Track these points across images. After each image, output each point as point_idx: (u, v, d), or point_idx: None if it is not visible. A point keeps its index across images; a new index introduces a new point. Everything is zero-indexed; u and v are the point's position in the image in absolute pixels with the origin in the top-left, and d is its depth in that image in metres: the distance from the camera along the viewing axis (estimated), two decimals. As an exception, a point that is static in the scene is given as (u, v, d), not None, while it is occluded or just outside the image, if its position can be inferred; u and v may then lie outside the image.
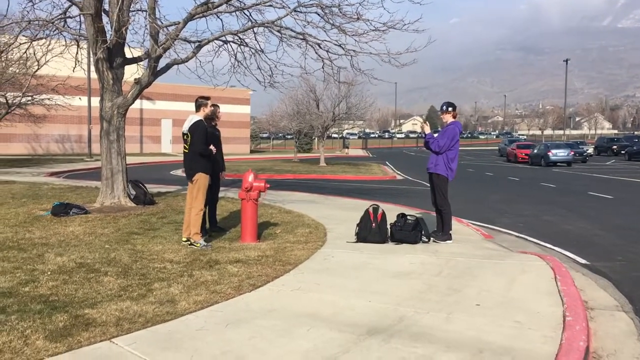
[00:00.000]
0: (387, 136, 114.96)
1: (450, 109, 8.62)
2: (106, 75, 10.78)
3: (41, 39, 11.61)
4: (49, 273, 6.10)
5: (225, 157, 9.42)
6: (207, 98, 7.95)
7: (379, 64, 12.06)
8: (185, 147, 7.80)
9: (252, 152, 55.74)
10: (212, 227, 8.91)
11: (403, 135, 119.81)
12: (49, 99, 23.92)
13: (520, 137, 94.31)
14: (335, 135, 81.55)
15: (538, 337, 4.48)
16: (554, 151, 36.16)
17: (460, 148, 9.08)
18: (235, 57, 12.86)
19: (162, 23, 10.72)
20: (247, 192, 8.01)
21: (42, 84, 20.95)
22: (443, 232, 8.47)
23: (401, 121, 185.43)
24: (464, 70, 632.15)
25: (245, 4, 10.75)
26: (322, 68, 13.01)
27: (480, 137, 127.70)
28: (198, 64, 12.94)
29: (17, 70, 16.69)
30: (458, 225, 10.26)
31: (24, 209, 10.88)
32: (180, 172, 27.36)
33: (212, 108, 8.61)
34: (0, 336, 4.20)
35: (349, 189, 18.85)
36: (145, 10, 10.46)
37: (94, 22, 10.04)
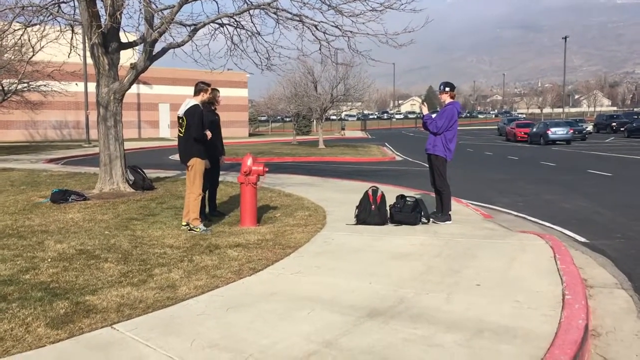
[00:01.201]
0: (385, 117, 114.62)
1: (447, 89, 8.57)
2: (102, 61, 10.71)
3: (35, 24, 11.52)
4: (49, 260, 6.11)
5: (223, 141, 9.38)
6: (208, 84, 7.92)
7: (377, 45, 11.98)
8: (180, 131, 7.75)
9: (250, 135, 55.66)
10: (212, 212, 8.91)
11: (402, 116, 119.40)
12: (45, 85, 23.81)
13: (520, 116, 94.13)
14: (334, 117, 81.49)
15: (538, 316, 4.49)
16: (553, 129, 36.09)
17: (459, 128, 9.06)
18: (232, 40, 12.77)
19: (156, 7, 10.60)
20: (246, 176, 7.99)
21: (37, 71, 20.82)
22: (443, 213, 8.48)
23: (400, 102, 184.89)
24: (463, 49, 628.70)
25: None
26: (320, 50, 12.94)
27: (480, 116, 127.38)
28: (194, 48, 12.86)
29: (13, 57, 16.58)
30: (458, 206, 10.27)
31: (23, 197, 10.87)
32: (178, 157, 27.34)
33: (212, 93, 8.58)
34: (2, 324, 4.21)
35: (348, 171, 18.84)
36: (140, -6, 10.35)
37: (88, 6, 9.96)
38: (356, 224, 8.09)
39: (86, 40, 10.84)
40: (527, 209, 10.46)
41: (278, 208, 9.50)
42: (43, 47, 15.82)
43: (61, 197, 9.86)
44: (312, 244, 6.90)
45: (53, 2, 10.71)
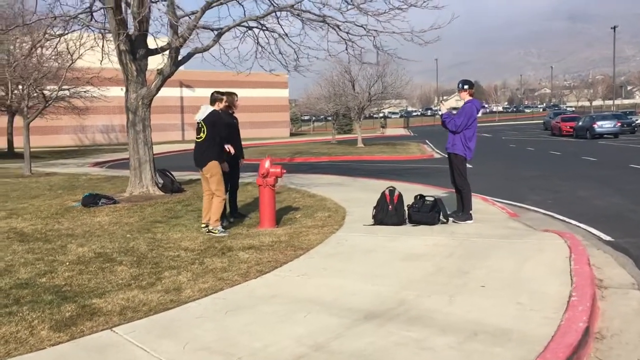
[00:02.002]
0: (429, 114, 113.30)
1: (466, 86, 8.47)
2: (130, 67, 10.98)
3: (66, 34, 11.87)
4: (67, 264, 6.31)
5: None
6: (223, 94, 8.09)
7: (401, 44, 11.91)
8: (198, 137, 7.90)
9: (292, 135, 55.98)
10: (233, 214, 9.02)
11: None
12: (85, 91, 24.51)
13: (568, 109, 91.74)
14: (377, 115, 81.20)
15: (538, 318, 4.40)
16: (599, 123, 35.06)
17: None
18: (258, 42, 12.87)
19: (183, 11, 10.81)
20: (264, 178, 8.07)
21: (78, 78, 21.50)
22: (463, 212, 8.37)
23: (444, 97, 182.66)
24: (508, 42, 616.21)
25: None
26: (346, 50, 12.94)
27: (526, 110, 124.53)
28: (222, 51, 13.05)
29: (55, 64, 17.18)
30: (483, 204, 10.14)
31: (57, 201, 11.25)
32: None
33: (230, 97, 8.73)
34: (10, 326, 4.38)
35: (382, 169, 18.76)
36: (165, 0, 10.56)
37: (115, 14, 10.20)
38: (373, 224, 8.07)
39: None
40: (556, 207, 10.22)
41: (300, 209, 9.56)
42: (82, 54, 16.25)
43: (92, 200, 10.16)
44: (325, 245, 6.92)
45: (83, 11, 11.01)
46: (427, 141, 39.71)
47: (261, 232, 7.79)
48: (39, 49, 15.12)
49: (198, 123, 7.94)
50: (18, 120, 34.40)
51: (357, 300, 4.92)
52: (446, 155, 8.70)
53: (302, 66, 13.75)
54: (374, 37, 12.24)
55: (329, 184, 13.06)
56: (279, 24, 12.85)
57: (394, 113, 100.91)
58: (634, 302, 5.21)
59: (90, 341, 4.15)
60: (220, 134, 7.82)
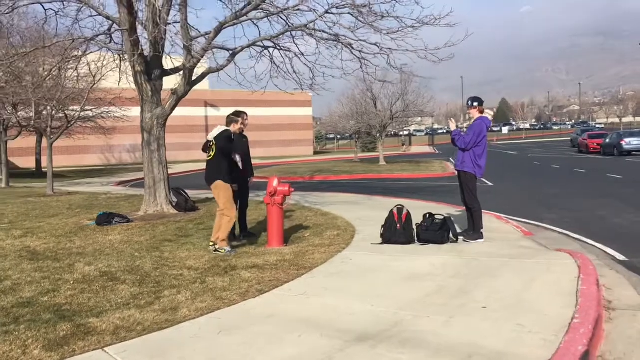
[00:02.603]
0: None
1: (475, 104, 8.39)
2: (145, 87, 11.14)
3: (85, 54, 12.11)
4: (71, 282, 6.36)
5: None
6: (239, 116, 8.18)
7: (416, 61, 11.85)
8: (208, 155, 7.96)
9: (315, 153, 56.09)
10: (243, 232, 9.03)
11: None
12: (107, 112, 24.97)
13: (597, 126, 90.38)
14: (402, 133, 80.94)
15: (536, 341, 4.28)
16: (627, 140, 34.38)
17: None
18: (273, 61, 12.95)
19: (196, 33, 10.94)
20: (272, 196, 8.07)
21: (100, 98, 21.91)
22: (474, 231, 8.24)
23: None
24: (539, 59, 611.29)
25: (271, 12, 10.78)
26: (360, 68, 12.95)
27: (554, 127, 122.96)
28: (238, 71, 13.14)
29: (78, 86, 17.53)
30: (498, 223, 9.99)
31: (74, 220, 11.39)
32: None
33: (238, 117, 8.80)
34: (3, 345, 4.41)
35: (401, 188, 18.64)
36: (178, 22, 10.72)
37: (130, 35, 10.37)
38: (381, 243, 7.98)
39: (131, 68, 11.25)
40: (574, 225, 10.01)
41: (310, 228, 9.52)
42: (104, 76, 16.56)
43: (105, 219, 10.27)
44: (329, 265, 6.87)
45: (99, 33, 11.22)
46: (451, 159, 39.42)
47: (268, 251, 7.76)
48: (62, 70, 15.42)
49: (209, 141, 8.00)
50: (46, 141, 35.25)
51: (352, 321, 4.84)
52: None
53: (318, 85, 13.80)
54: (387, 55, 12.24)
55: (343, 203, 13.00)
56: (294, 42, 12.95)
57: (419, 131, 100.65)
58: (640, 325, 5.04)
59: (82, 361, 4.15)
60: (230, 151, 7.89)
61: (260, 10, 10.51)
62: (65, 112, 17.51)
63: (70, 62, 13.41)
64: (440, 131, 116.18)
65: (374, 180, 23.13)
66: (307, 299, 5.52)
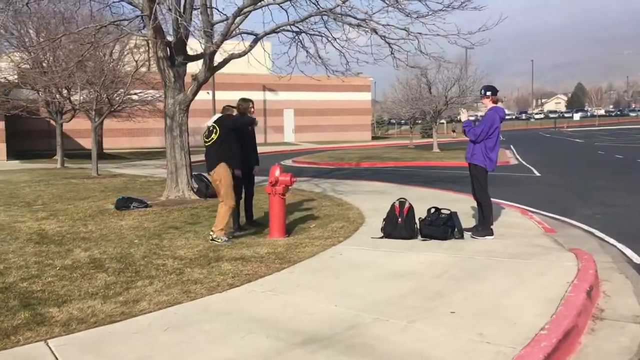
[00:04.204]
0: (523, 117, 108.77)
1: (488, 93, 7.91)
2: (167, 73, 11.18)
3: (118, 40, 12.26)
4: (57, 268, 6.43)
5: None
6: (233, 107, 8.10)
7: (440, 47, 11.39)
8: (205, 140, 7.86)
9: (374, 138, 55.53)
10: (248, 222, 8.93)
11: (542, 116, 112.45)
12: (152, 96, 25.45)
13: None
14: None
15: (490, 353, 3.97)
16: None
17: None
18: (303, 46, 12.73)
19: (219, 18, 10.88)
20: (273, 186, 7.91)
21: (145, 82, 22.34)
22: (483, 227, 7.82)
23: (543, 100, 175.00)
24: (619, 41, 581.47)
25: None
26: (392, 54, 12.55)
27: (631, 114, 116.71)
28: (267, 56, 13.02)
29: (123, 70, 17.93)
30: (520, 218, 9.50)
31: (100, 203, 11.62)
32: (290, 162, 27.96)
33: (245, 104, 8.70)
34: (-45, 333, 4.47)
35: (442, 176, 18.10)
36: (198, 8, 10.66)
37: (151, 22, 10.39)
38: (382, 237, 7.69)
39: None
40: (602, 223, 9.37)
41: (319, 218, 9.31)
42: (146, 60, 16.79)
43: (123, 204, 10.41)
44: (315, 259, 6.66)
45: (123, 19, 11.30)
46: (511, 146, 38.10)
47: (263, 242, 7.63)
48: (104, 55, 15.77)
49: (209, 127, 7.90)
50: (107, 123, 36.39)
51: (308, 322, 4.65)
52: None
53: (350, 71, 13.50)
54: (418, 40, 11.80)
55: (370, 192, 12.70)
56: (325, 27, 12.69)
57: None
58: (624, 339, 4.60)
59: (18, 353, 4.14)
60: (243, 122, 7.83)
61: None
62: (108, 96, 17.88)
63: (103, 47, 13.62)
64: (507, 117, 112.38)
65: (419, 167, 22.59)
66: (273, 296, 5.36)
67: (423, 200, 10.50)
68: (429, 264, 6.40)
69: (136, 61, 16.83)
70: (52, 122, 23.76)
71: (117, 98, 18.79)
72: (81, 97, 19.76)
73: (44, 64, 21.02)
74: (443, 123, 52.59)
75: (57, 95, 20.91)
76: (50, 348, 4.19)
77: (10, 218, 10.12)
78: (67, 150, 33.07)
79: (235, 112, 8.01)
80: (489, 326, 4.46)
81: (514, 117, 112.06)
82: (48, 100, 21.59)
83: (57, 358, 4.03)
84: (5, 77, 21.14)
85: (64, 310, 4.96)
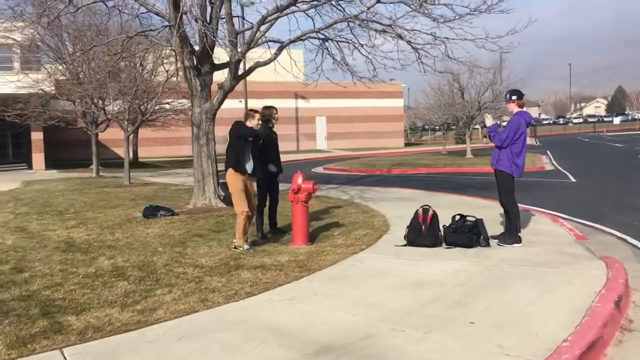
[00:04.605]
0: (561, 122, 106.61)
1: (514, 97, 7.73)
2: (194, 82, 11.27)
3: (147, 51, 12.42)
4: (80, 276, 6.50)
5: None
6: (256, 111, 8.04)
7: (467, 51, 11.23)
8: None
9: (407, 145, 55.12)
10: (272, 229, 8.90)
11: (581, 120, 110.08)
12: (183, 105, 25.74)
13: None
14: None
15: (507, 366, 3.83)
16: None
17: None
18: (329, 53, 12.70)
19: (241, 27, 10.93)
20: (295, 194, 7.87)
21: (177, 91, 22.62)
22: (510, 235, 7.63)
23: (582, 104, 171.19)
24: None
25: (307, 2, 10.53)
26: (418, 59, 12.43)
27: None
28: (293, 63, 13.02)
29: (152, 78, 18.17)
30: (551, 225, 9.24)
31: (129, 211, 11.75)
32: (321, 169, 27.95)
33: (268, 111, 8.68)
34: (-25, 340, 4.53)
35: (474, 183, 17.80)
36: (224, 17, 10.73)
37: (177, 31, 10.50)
38: (405, 245, 7.57)
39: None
40: (637, 230, 9.06)
41: (344, 226, 9.23)
42: (176, 70, 16.99)
43: (151, 212, 10.51)
44: (335, 267, 6.58)
45: (146, 29, 11.43)
46: (548, 152, 37.37)
47: (286, 250, 7.58)
48: (136, 65, 16.01)
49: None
50: (143, 132, 36.99)
51: (322, 332, 4.57)
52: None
53: (377, 77, 13.42)
54: (444, 45, 11.67)
55: (398, 199, 12.56)
56: (352, 33, 12.65)
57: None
58: (652, 352, 4.40)
59: (32, 361, 4.18)
60: (246, 133, 7.75)
61: (302, 2, 10.28)
62: (140, 106, 18.15)
63: (132, 57, 13.81)
64: (545, 122, 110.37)
65: (451, 174, 22.30)
66: (289, 305, 5.30)
67: (451, 207, 10.32)
68: (452, 272, 6.26)
69: (167, 71, 17.06)
70: (89, 132, 24.25)
71: (149, 108, 19.05)
72: (115, 108, 20.11)
73: (81, 75, 21.47)
74: (477, 128, 51.81)
75: (92, 106, 21.32)
76: (64, 357, 4.21)
77: (42, 226, 10.30)
78: (103, 159, 33.72)
79: (256, 118, 7.96)
80: (509, 337, 4.31)
81: (551, 121, 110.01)
82: (84, 110, 22.04)
83: (70, 367, 4.05)
84: (42, 89, 21.64)
85: (81, 319, 4.99)
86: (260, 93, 42.23)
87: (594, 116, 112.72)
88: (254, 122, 7.91)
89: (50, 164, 32.15)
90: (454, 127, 44.42)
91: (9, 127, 30.23)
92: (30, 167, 30.11)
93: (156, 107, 20.10)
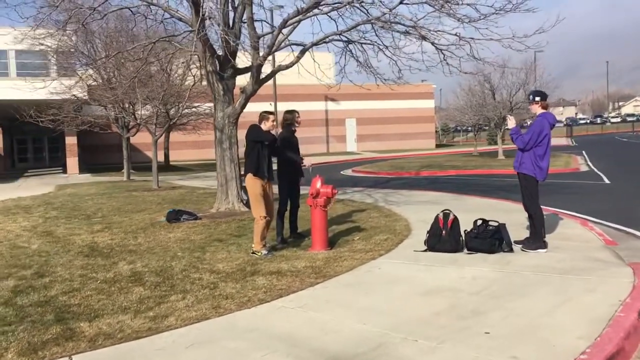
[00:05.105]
0: (598, 121, 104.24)
1: (537, 98, 7.53)
2: (216, 87, 11.30)
3: (172, 55, 12.51)
4: (98, 282, 6.54)
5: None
6: (271, 113, 7.96)
7: (491, 52, 11.01)
8: None
9: (438, 146, 54.56)
10: (292, 234, 8.85)
11: (619, 120, 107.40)
12: (209, 109, 25.90)
13: None
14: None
15: (519, 380, 3.69)
16: None
17: None
18: (352, 55, 12.62)
19: (263, 31, 10.93)
20: (314, 198, 7.80)
21: (205, 94, 22.79)
22: (534, 240, 7.42)
23: (620, 103, 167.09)
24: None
25: (329, 4, 10.46)
26: (444, 59, 12.26)
27: None
28: (317, 67, 12.96)
29: (179, 83, 18.33)
30: (580, 230, 8.98)
31: (152, 216, 11.84)
32: (350, 172, 27.83)
33: (291, 114, 8.63)
34: (-12, 347, 4.57)
35: (503, 185, 17.47)
36: (245, 22, 10.73)
37: (198, 36, 10.54)
38: (425, 250, 7.43)
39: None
40: (673, 234, 8.75)
41: (365, 230, 9.12)
42: (202, 76, 17.09)
43: (174, 216, 10.56)
44: (351, 274, 6.49)
45: (165, 37, 11.51)
46: (583, 152, 36.54)
47: (304, 255, 7.51)
48: (164, 70, 16.17)
49: None
50: (174, 136, 37.41)
51: (333, 341, 4.49)
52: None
53: (400, 79, 13.28)
54: (469, 45, 11.48)
55: (423, 202, 12.37)
56: (376, 35, 12.54)
57: (557, 121, 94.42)
58: (676, 365, 4.20)
59: (41, 368, 4.19)
60: (260, 138, 7.68)
61: (324, 5, 10.22)
62: (167, 110, 18.31)
63: (157, 61, 13.94)
64: (582, 121, 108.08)
65: (481, 176, 21.94)
66: (302, 313, 5.22)
67: (477, 210, 10.14)
68: (470, 279, 6.11)
69: (193, 76, 17.19)
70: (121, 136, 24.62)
71: (177, 112, 19.21)
72: (144, 112, 20.37)
73: (113, 80, 21.82)
74: (509, 129, 50.89)
75: (122, 111, 21.63)
76: (72, 364, 4.22)
77: (68, 231, 10.44)
78: (135, 163, 34.18)
79: (270, 119, 7.88)
80: (524, 348, 4.17)
81: (588, 121, 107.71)
82: (116, 115, 22.39)
83: (77, 375, 4.05)
84: (74, 95, 22.04)
85: (94, 325, 5.01)
86: (290, 96, 42.32)
87: (632, 115, 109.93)
88: (268, 124, 7.84)
89: (84, 167, 32.76)
90: (486, 128, 43.87)
91: (45, 132, 30.93)
92: (65, 171, 30.70)
93: (185, 111, 20.22)
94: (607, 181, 18.05)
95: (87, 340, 4.65)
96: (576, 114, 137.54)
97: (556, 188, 16.16)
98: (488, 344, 4.31)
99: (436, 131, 60.57)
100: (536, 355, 4.05)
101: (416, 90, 46.74)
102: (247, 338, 4.62)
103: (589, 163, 26.84)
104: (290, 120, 8.64)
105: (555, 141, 41.87)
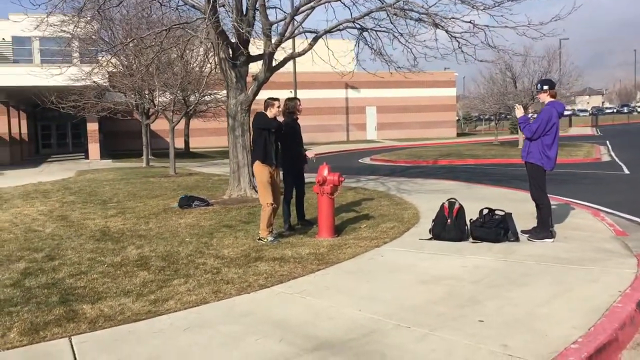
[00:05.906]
0: (625, 111, 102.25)
1: (546, 87, 7.46)
2: (229, 74, 11.35)
3: (187, 42, 12.58)
4: (105, 265, 6.67)
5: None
6: (276, 99, 7.97)
7: (505, 39, 10.90)
8: None
9: (460, 135, 54.10)
10: (300, 221, 8.90)
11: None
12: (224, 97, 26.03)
13: None
14: (567, 112, 75.02)
15: (507, 368, 3.70)
16: None
17: None
18: (367, 43, 12.56)
19: (280, 17, 10.93)
20: (321, 186, 7.83)
21: (222, 82, 22.88)
22: (541, 230, 7.37)
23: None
24: None
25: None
26: (459, 47, 12.14)
27: None
28: (331, 54, 12.93)
29: (197, 70, 18.40)
30: (591, 220, 8.89)
31: (166, 201, 11.98)
32: (368, 160, 27.80)
33: (292, 102, 8.65)
34: (-7, 326, 4.71)
35: (518, 174, 17.25)
36: (258, 9, 10.75)
37: (211, 23, 10.58)
38: (430, 239, 7.43)
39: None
40: (685, 224, 8.62)
41: (373, 218, 9.13)
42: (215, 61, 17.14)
43: (186, 202, 10.68)
44: (353, 261, 6.52)
45: (178, 24, 11.55)
46: (607, 142, 35.98)
47: (310, 242, 7.56)
48: (181, 57, 16.28)
49: None
50: (194, 123, 37.67)
51: (325, 327, 4.53)
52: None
53: (415, 67, 13.19)
54: (484, 32, 11.36)
55: (435, 191, 12.32)
56: (391, 22, 12.46)
57: (582, 110, 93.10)
58: (670, 357, 4.17)
59: (40, 348, 4.31)
60: (267, 125, 7.71)
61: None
62: (184, 97, 18.42)
63: (172, 48, 14.01)
64: (607, 111, 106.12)
65: (499, 165, 21.76)
66: (299, 299, 5.28)
67: (488, 200, 10.14)
68: (471, 268, 6.10)
69: (210, 63, 17.27)
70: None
71: (195, 99, 19.33)
72: (164, 99, 20.52)
73: (133, 67, 22.00)
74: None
75: (141, 98, 21.82)
76: (72, 345, 4.32)
77: (83, 215, 10.62)
78: (155, 149, 34.49)
79: (276, 106, 7.90)
80: (516, 337, 4.17)
81: (614, 110, 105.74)
82: (137, 102, 22.60)
83: (75, 355, 4.15)
84: (94, 81, 22.26)
85: (95, 307, 5.12)
86: (310, 84, 42.29)
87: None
88: (274, 111, 7.86)
89: (106, 153, 33.15)
90: (509, 117, 43.43)
91: (67, 118, 31.34)
92: (87, 156, 31.11)
93: (205, 98, 20.31)
94: (626, 171, 17.80)
95: (87, 322, 4.76)
96: (603, 102, 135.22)
97: (573, 178, 15.99)
98: (481, 332, 4.32)
99: (458, 120, 60.10)
100: (527, 344, 4.05)
101: (438, 78, 46.43)
102: (243, 322, 4.68)
103: (612, 153, 26.45)
104: (292, 108, 8.66)
105: (579, 131, 41.80)
